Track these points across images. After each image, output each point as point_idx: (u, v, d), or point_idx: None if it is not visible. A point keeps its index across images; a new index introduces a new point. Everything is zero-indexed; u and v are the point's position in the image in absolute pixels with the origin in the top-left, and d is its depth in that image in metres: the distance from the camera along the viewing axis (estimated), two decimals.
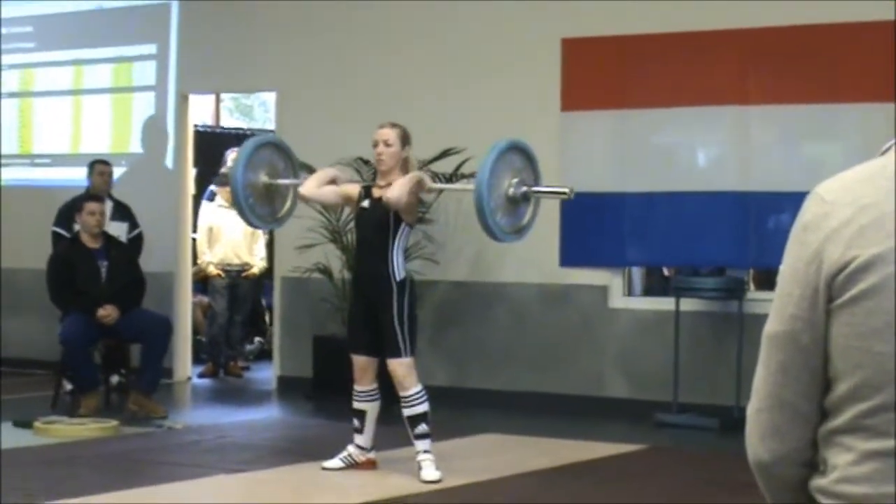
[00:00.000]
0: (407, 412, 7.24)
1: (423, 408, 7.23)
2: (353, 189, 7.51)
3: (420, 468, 7.21)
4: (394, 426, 7.53)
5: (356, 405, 7.37)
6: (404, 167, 7.32)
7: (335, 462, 7.39)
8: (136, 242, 10.91)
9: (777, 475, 2.01)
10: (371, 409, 7.35)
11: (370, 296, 7.27)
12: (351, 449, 7.41)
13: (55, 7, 12.62)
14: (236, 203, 7.88)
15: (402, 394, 7.23)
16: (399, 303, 7.18)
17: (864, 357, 1.85)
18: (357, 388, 7.36)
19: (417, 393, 7.22)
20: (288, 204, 8.01)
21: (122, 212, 10.86)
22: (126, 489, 7.01)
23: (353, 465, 7.38)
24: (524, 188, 7.24)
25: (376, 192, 7.29)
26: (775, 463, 1.99)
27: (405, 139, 7.35)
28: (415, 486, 7.08)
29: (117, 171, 11.31)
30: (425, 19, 10.81)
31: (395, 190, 7.11)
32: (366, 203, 7.33)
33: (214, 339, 12.28)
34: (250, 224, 8.49)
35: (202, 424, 9.54)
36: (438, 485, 7.15)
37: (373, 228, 7.26)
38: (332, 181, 7.53)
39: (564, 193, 7.76)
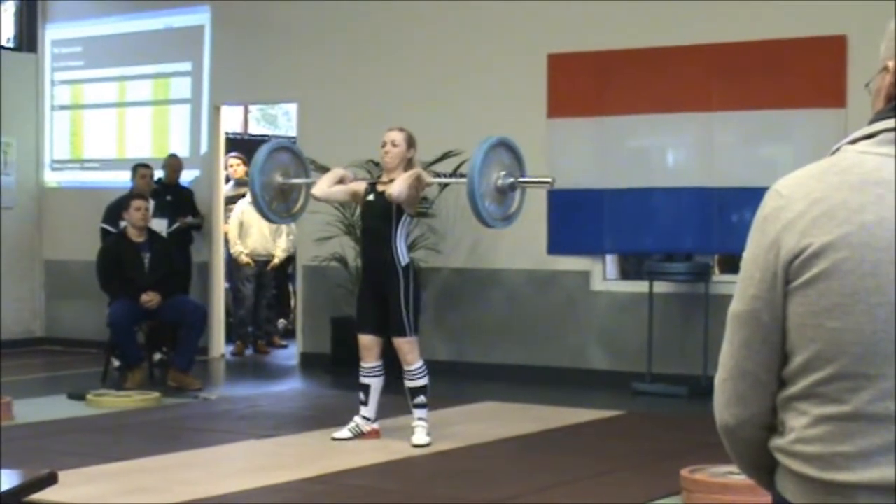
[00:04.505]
0: (408, 384, 7.23)
1: (423, 381, 7.22)
2: (360, 185, 7.48)
3: (413, 432, 7.21)
4: (396, 396, 7.51)
5: (362, 380, 7.34)
6: (407, 167, 7.29)
7: (344, 432, 7.35)
8: (177, 234, 10.99)
9: (741, 437, 2.01)
10: (375, 384, 7.31)
11: (377, 280, 7.23)
12: (357, 420, 7.38)
13: (101, 29, 12.61)
14: (255, 202, 7.88)
15: (405, 368, 7.21)
16: (405, 286, 7.14)
17: (817, 333, 1.85)
18: (363, 364, 7.31)
19: (419, 368, 7.20)
20: (301, 201, 8.01)
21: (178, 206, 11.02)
22: (167, 453, 7.01)
23: (359, 434, 7.36)
24: (511, 179, 7.24)
25: (380, 187, 7.27)
26: (739, 426, 1.99)
27: (410, 142, 7.32)
28: (415, 451, 7.08)
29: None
30: (428, 40, 10.81)
31: (397, 186, 7.09)
32: (371, 197, 7.30)
33: (242, 320, 12.30)
34: (268, 220, 8.47)
35: (234, 395, 9.55)
36: (439, 447, 7.16)
37: (377, 219, 7.22)
38: (341, 180, 7.51)
39: (548, 182, 7.77)
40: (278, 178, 7.79)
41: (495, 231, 10.33)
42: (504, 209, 7.30)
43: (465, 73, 10.58)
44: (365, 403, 7.35)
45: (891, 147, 1.87)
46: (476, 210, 7.06)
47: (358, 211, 9.82)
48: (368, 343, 7.28)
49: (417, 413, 7.24)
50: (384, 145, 7.29)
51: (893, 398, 1.80)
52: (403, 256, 7.18)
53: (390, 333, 7.20)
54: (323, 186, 7.46)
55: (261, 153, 7.80)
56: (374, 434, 7.38)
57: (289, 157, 7.94)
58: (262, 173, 7.69)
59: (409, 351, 7.17)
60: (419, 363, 7.20)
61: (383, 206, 7.16)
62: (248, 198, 12.17)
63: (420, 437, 7.18)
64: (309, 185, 7.85)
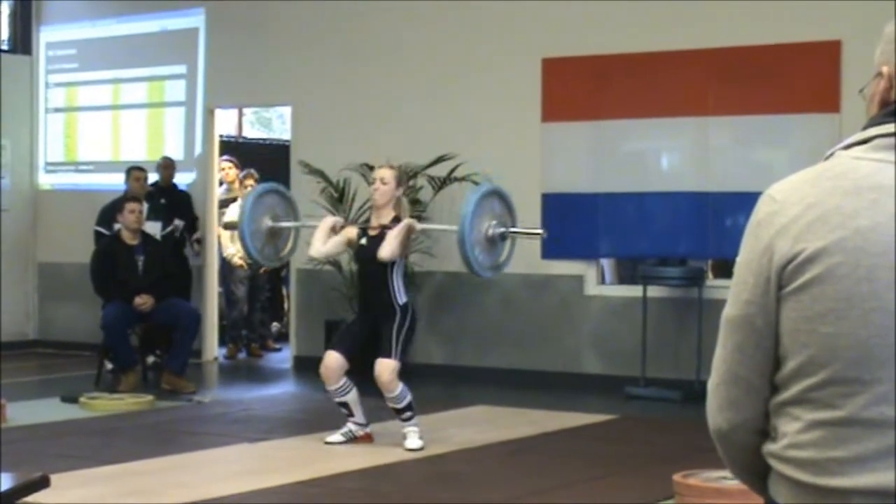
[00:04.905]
0: (393, 405, 7.21)
1: (407, 401, 7.19)
2: (352, 231, 7.45)
3: (405, 437, 7.20)
4: (384, 399, 7.50)
5: (337, 401, 7.33)
6: (396, 206, 7.30)
7: (337, 437, 7.36)
8: (171, 238, 10.99)
9: (733, 442, 2.00)
10: (351, 397, 7.29)
11: (376, 319, 7.24)
12: (350, 425, 7.38)
13: (96, 32, 12.60)
14: (245, 250, 7.88)
15: (386, 395, 7.16)
16: (401, 320, 7.14)
17: (810, 338, 1.85)
18: (329, 387, 7.27)
19: (400, 393, 7.16)
20: (290, 244, 7.99)
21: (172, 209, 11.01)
22: (161, 456, 7.01)
23: (352, 439, 7.36)
24: (502, 229, 7.21)
25: (371, 231, 7.29)
26: (732, 431, 1.99)
27: (400, 180, 7.33)
28: (409, 454, 7.08)
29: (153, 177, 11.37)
30: (423, 43, 10.80)
31: (388, 249, 7.08)
32: (363, 241, 7.31)
33: (235, 323, 12.28)
34: (258, 263, 8.50)
35: (227, 399, 9.54)
36: (433, 450, 7.16)
37: (372, 262, 7.21)
38: (332, 229, 7.49)
39: (539, 234, 7.78)
40: (267, 222, 7.76)
41: None
42: (493, 258, 7.28)
43: (459, 77, 10.57)
44: (351, 414, 7.35)
45: (887, 153, 1.86)
46: (465, 259, 7.03)
47: (351, 214, 9.86)
48: (333, 363, 7.21)
49: (407, 424, 7.26)
50: (374, 182, 7.30)
51: (889, 403, 1.80)
52: (401, 296, 7.20)
53: (376, 354, 7.15)
54: (318, 246, 7.44)
55: (248, 201, 7.80)
56: (367, 438, 7.39)
57: (276, 199, 7.91)
58: (250, 222, 7.65)
59: (390, 379, 7.09)
60: (399, 388, 7.15)
61: (376, 250, 7.16)
62: (240, 201, 12.21)
63: (413, 441, 7.18)
64: (298, 229, 7.88)
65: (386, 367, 7.09)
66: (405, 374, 7.41)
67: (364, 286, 7.45)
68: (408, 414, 7.22)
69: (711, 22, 9.57)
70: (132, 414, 8.59)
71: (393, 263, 7.17)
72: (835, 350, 1.83)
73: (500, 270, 7.44)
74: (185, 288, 11.14)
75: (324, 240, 7.42)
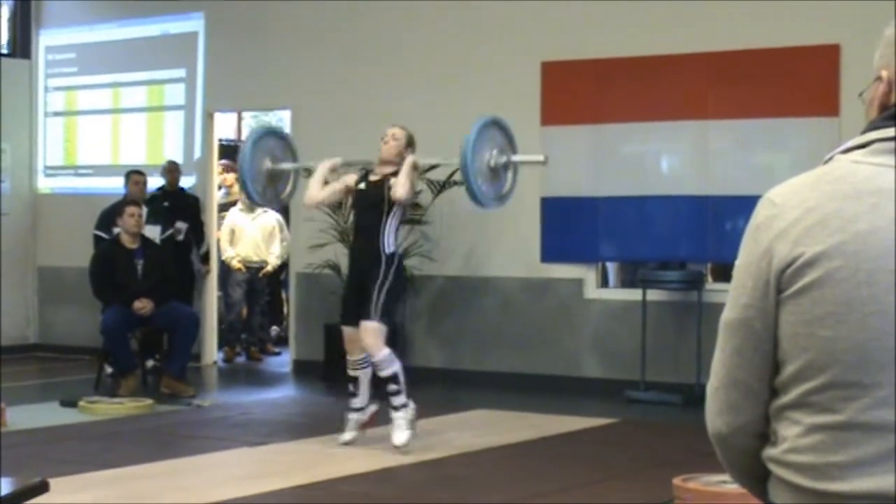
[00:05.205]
0: (379, 373, 7.20)
1: (392, 370, 7.10)
2: (351, 179, 7.47)
3: (392, 430, 7.14)
4: (386, 403, 7.48)
5: (350, 373, 7.35)
6: (400, 164, 7.29)
7: (348, 436, 7.35)
8: (171, 241, 10.98)
9: (733, 446, 2.00)
10: (363, 375, 7.32)
11: (360, 267, 7.23)
12: (353, 416, 7.37)
13: (95, 36, 12.60)
14: (246, 192, 7.90)
15: (372, 360, 7.17)
16: (385, 272, 7.11)
17: (809, 341, 1.85)
18: (349, 358, 7.33)
19: (384, 357, 7.09)
20: (290, 186, 8.03)
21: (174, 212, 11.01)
22: (160, 460, 7.00)
23: (362, 427, 7.36)
24: (504, 157, 7.26)
25: (373, 177, 7.29)
26: (731, 435, 1.99)
27: (410, 141, 7.38)
28: (407, 458, 7.05)
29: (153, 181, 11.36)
30: (423, 44, 10.81)
31: (400, 189, 7.10)
32: (363, 185, 7.32)
33: (232, 325, 12.27)
34: (256, 204, 8.52)
35: (227, 402, 9.54)
36: (432, 454, 7.14)
37: (369, 208, 7.24)
38: (333, 170, 7.52)
39: (540, 160, 7.81)
40: (267, 164, 7.81)
41: (489, 238, 10.35)
42: (497, 189, 7.33)
43: (459, 80, 10.58)
44: (355, 395, 7.35)
45: (886, 157, 1.86)
46: (469, 189, 7.10)
47: (352, 217, 9.84)
48: (351, 335, 7.27)
49: (393, 401, 7.14)
50: (384, 136, 7.33)
51: (888, 407, 1.80)
52: (389, 245, 7.18)
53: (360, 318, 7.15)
54: (314, 193, 7.43)
55: (247, 145, 7.85)
56: (373, 420, 7.39)
57: (275, 141, 7.97)
58: (251, 166, 7.69)
59: (373, 342, 7.07)
60: (384, 352, 7.09)
61: (375, 195, 7.19)
62: (238, 205, 12.25)
63: (399, 435, 7.10)
64: (297, 171, 7.91)
65: (367, 330, 7.08)
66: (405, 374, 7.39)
67: (357, 233, 7.48)
68: (392, 387, 7.10)
69: (711, 25, 9.58)
70: (132, 418, 8.59)
71: (389, 213, 7.15)
72: (834, 354, 1.83)
73: (504, 201, 7.47)
74: (188, 291, 11.13)
75: (320, 185, 7.43)
